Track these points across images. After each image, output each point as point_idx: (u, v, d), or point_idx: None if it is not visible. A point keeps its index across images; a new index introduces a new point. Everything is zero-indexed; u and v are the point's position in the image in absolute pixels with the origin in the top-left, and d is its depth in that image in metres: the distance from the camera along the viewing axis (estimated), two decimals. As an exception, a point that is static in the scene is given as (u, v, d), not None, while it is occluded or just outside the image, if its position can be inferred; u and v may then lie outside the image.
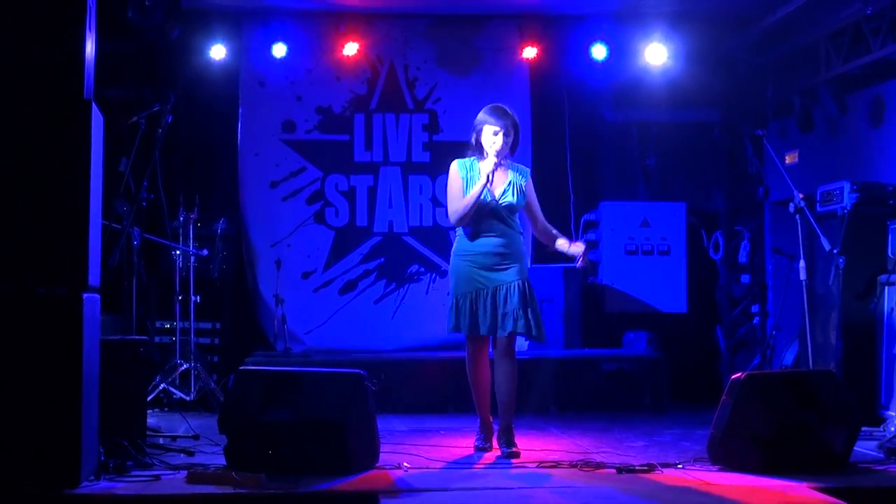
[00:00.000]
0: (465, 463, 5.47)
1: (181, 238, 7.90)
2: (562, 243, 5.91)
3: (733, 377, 5.33)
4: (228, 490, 4.55)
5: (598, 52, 9.12)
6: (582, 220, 9.54)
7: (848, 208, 6.92)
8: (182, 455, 5.44)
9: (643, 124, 9.70)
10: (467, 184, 5.75)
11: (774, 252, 9.09)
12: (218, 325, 8.49)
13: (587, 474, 5.06)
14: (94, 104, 4.65)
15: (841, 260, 6.73)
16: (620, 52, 9.14)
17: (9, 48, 4.56)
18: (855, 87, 8.17)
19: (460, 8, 9.13)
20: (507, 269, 5.70)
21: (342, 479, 4.81)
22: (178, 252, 7.84)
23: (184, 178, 8.78)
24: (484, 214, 5.71)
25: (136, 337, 6.13)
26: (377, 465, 5.18)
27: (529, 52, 9.17)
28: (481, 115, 5.77)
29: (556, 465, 5.29)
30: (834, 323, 6.98)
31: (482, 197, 5.66)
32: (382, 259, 9.23)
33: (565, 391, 8.00)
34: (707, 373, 9.34)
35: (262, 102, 9.18)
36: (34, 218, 4.52)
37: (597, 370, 8.18)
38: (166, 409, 7.42)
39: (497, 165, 5.66)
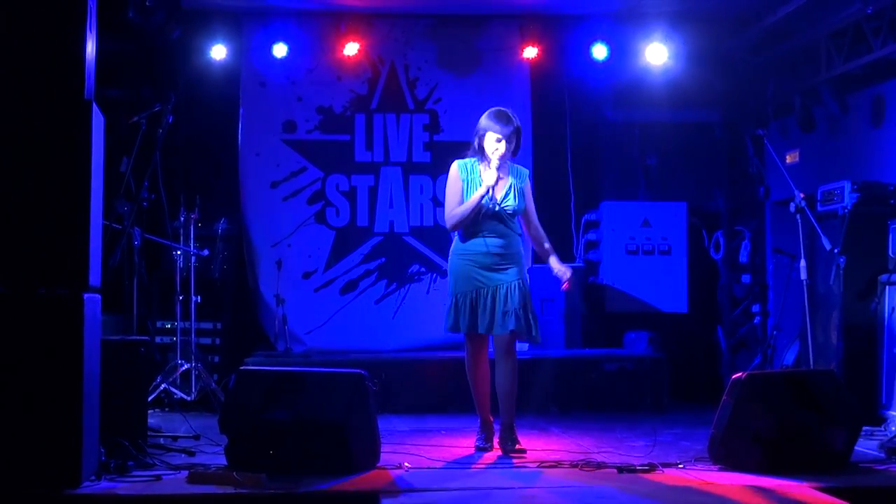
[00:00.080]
0: (466, 463, 5.47)
1: (182, 238, 7.90)
2: (552, 260, 5.93)
3: (734, 377, 5.33)
4: (229, 490, 4.55)
5: (599, 52, 9.12)
6: (583, 220, 9.54)
7: (849, 208, 6.92)
8: (183, 455, 5.44)
9: (644, 124, 9.71)
10: (468, 186, 5.75)
11: (775, 252, 9.08)
12: (219, 325, 8.49)
13: (588, 474, 5.06)
14: (94, 104, 4.65)
15: (842, 259, 6.73)
16: (621, 51, 9.14)
17: (9, 48, 4.56)
18: (856, 86, 8.17)
19: (461, 8, 9.13)
20: (506, 269, 5.71)
21: (343, 478, 4.81)
22: (178, 252, 7.84)
23: (184, 178, 8.79)
24: (484, 217, 5.71)
25: (137, 337, 6.13)
26: (378, 464, 5.18)
27: (530, 52, 9.16)
28: (485, 121, 5.75)
29: (557, 464, 5.29)
30: (835, 323, 6.98)
31: (482, 202, 5.67)
32: (383, 259, 9.23)
33: (566, 391, 8.00)
34: (708, 372, 9.34)
35: (263, 102, 9.18)
36: (35, 218, 4.52)
37: (598, 370, 8.18)
38: (167, 409, 7.42)
39: (499, 179, 5.67)
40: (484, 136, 5.73)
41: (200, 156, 9.13)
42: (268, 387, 5.14)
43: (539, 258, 9.06)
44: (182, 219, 7.94)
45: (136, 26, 7.94)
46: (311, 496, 4.56)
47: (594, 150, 9.75)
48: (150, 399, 6.96)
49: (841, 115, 8.29)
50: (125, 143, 6.57)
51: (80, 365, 4.48)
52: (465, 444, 5.94)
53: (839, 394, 5.41)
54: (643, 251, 9.30)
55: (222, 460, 5.12)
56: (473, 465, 5.42)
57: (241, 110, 9.14)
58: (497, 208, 5.70)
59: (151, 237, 7.48)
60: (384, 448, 5.36)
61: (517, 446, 5.66)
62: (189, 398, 7.54)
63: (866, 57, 7.74)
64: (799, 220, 6.78)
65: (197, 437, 5.97)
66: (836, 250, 6.72)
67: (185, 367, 7.66)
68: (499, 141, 5.69)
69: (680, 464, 5.29)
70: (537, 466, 5.26)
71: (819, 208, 7.19)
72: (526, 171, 5.95)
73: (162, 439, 5.92)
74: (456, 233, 5.84)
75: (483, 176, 5.69)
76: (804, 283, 6.76)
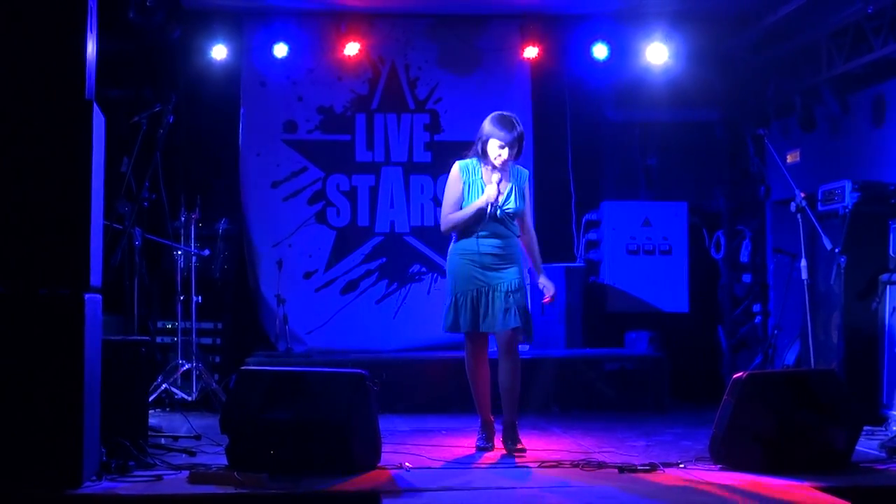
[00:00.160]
0: (467, 462, 5.48)
1: (182, 238, 7.90)
2: (539, 273, 5.95)
3: (735, 376, 5.33)
4: (230, 490, 4.55)
5: (600, 51, 9.12)
6: (583, 220, 9.54)
7: (849, 207, 6.92)
8: (184, 455, 5.44)
9: (644, 124, 9.71)
10: (469, 188, 5.76)
11: (776, 251, 9.09)
12: (219, 326, 8.49)
13: (589, 474, 5.06)
14: (95, 104, 4.65)
15: (842, 259, 6.73)
16: (621, 51, 9.14)
17: (10, 49, 4.56)
18: (856, 86, 8.17)
19: (461, 8, 9.13)
20: (506, 268, 5.73)
21: (344, 478, 4.81)
22: (179, 252, 7.84)
23: (185, 178, 8.79)
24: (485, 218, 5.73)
25: (138, 337, 6.14)
26: (379, 464, 5.18)
27: (531, 52, 9.16)
28: (488, 126, 5.74)
29: (558, 464, 5.29)
30: (835, 322, 6.98)
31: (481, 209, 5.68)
32: (384, 259, 9.23)
33: (567, 391, 8.00)
34: (709, 372, 9.34)
35: (264, 102, 9.18)
36: (36, 218, 4.52)
37: (598, 370, 8.18)
38: (168, 409, 7.42)
39: (499, 193, 5.67)
40: (487, 141, 5.73)
41: (201, 156, 9.13)
42: (269, 387, 5.14)
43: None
44: (183, 219, 7.94)
45: (136, 26, 7.94)
46: (312, 496, 4.56)
47: (595, 149, 9.75)
48: (151, 399, 6.96)
49: (842, 115, 8.29)
50: (126, 144, 6.57)
51: (80, 365, 4.48)
52: (465, 444, 5.94)
53: (840, 393, 5.41)
54: (644, 251, 9.30)
55: (223, 460, 5.12)
56: (474, 465, 5.42)
57: (241, 110, 9.14)
58: (499, 212, 5.71)
59: (152, 237, 7.48)
60: (385, 448, 5.36)
61: (518, 445, 5.67)
62: (190, 398, 7.54)
63: (867, 56, 7.74)
64: (800, 220, 6.78)
65: (198, 437, 5.97)
66: (836, 250, 6.71)
67: (186, 367, 7.66)
68: (502, 147, 5.69)
69: (681, 463, 5.29)
70: (538, 466, 5.27)
71: (820, 208, 7.19)
72: (526, 172, 5.96)
73: (163, 439, 5.93)
74: (455, 232, 5.84)
75: (486, 189, 5.68)
76: (805, 282, 6.76)
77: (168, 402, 7.48)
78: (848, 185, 6.98)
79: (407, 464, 5.24)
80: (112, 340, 5.36)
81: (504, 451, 5.69)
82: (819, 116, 8.59)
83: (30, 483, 4.42)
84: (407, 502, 4.48)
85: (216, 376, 7.95)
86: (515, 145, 5.71)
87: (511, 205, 5.75)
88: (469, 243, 5.74)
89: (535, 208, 9.04)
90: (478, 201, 5.68)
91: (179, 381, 7.64)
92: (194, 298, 7.87)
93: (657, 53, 9.00)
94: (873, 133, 7.93)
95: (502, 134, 5.67)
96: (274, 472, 4.74)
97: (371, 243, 9.24)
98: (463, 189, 5.77)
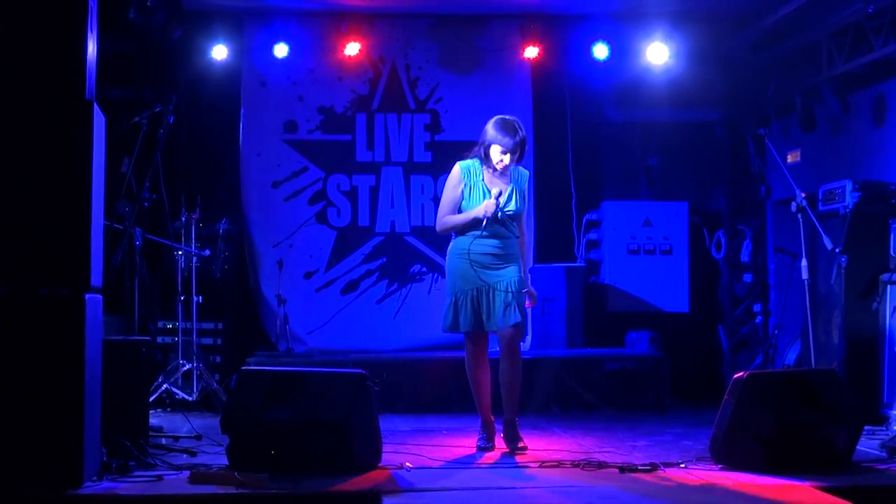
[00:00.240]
0: (468, 462, 5.47)
1: (183, 238, 7.90)
2: (525, 277, 5.95)
3: (735, 376, 5.33)
4: (231, 490, 4.55)
5: (600, 51, 9.12)
6: (584, 220, 9.54)
7: (850, 207, 6.92)
8: (185, 455, 5.44)
9: (645, 124, 9.70)
10: (470, 191, 5.78)
11: (776, 251, 9.08)
12: (220, 326, 8.48)
13: (590, 474, 5.06)
14: (95, 105, 4.65)
15: (843, 259, 6.73)
16: (622, 51, 9.14)
17: (10, 49, 4.56)
18: (857, 85, 8.17)
19: (462, 8, 9.13)
20: (505, 268, 5.74)
21: (345, 478, 4.81)
22: (180, 252, 7.84)
23: (186, 178, 8.78)
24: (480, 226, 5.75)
25: (139, 337, 6.13)
26: (380, 464, 5.18)
27: (531, 52, 9.16)
28: (491, 131, 5.74)
29: (559, 464, 5.29)
30: (836, 322, 6.97)
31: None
32: (384, 259, 9.23)
33: (568, 391, 8.00)
34: (709, 372, 9.35)
35: (264, 102, 9.18)
36: (36, 219, 4.52)
37: (599, 370, 8.18)
38: (169, 409, 7.43)
39: (497, 208, 5.67)
40: (490, 146, 5.74)
41: (201, 156, 9.12)
42: (269, 387, 5.14)
43: (540, 258, 9.17)
44: (183, 219, 7.94)
45: (137, 26, 7.94)
46: (313, 496, 4.56)
47: (595, 149, 9.74)
48: (151, 399, 6.96)
49: (842, 115, 8.29)
50: (126, 144, 6.58)
51: (81, 365, 4.48)
52: (466, 444, 5.94)
53: (841, 393, 5.41)
54: (644, 251, 9.30)
55: (224, 460, 5.13)
56: (475, 465, 5.42)
57: (242, 110, 9.14)
58: (500, 215, 5.72)
59: (153, 237, 7.48)
60: (386, 448, 5.36)
61: (520, 444, 5.69)
62: (191, 398, 7.54)
63: (867, 56, 7.74)
64: (800, 220, 6.78)
65: (199, 438, 5.97)
66: (837, 250, 6.71)
67: (187, 367, 7.66)
68: (503, 153, 5.71)
69: (681, 463, 5.29)
70: (539, 466, 5.26)
71: (820, 208, 7.19)
72: (526, 173, 5.96)
73: (164, 439, 5.93)
74: (454, 232, 5.85)
75: (484, 203, 5.68)
76: (805, 282, 6.75)
77: (169, 403, 7.48)
78: (848, 185, 6.98)
79: (407, 464, 5.24)
80: (113, 340, 5.37)
81: (504, 451, 5.69)
82: (819, 116, 8.59)
83: (30, 483, 4.42)
84: (408, 502, 4.48)
85: (217, 376, 7.95)
86: (517, 150, 5.73)
87: (511, 206, 5.76)
88: (468, 243, 5.74)
89: (536, 208, 9.12)
90: (475, 211, 5.70)
91: (180, 382, 7.64)
92: (195, 298, 7.87)
93: (658, 53, 9.00)
94: (874, 133, 7.93)
95: (505, 140, 5.69)
96: (275, 472, 4.74)
97: (371, 243, 9.25)
98: (463, 190, 5.78)
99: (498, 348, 5.78)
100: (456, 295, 5.75)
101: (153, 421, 6.22)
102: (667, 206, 9.40)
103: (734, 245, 9.61)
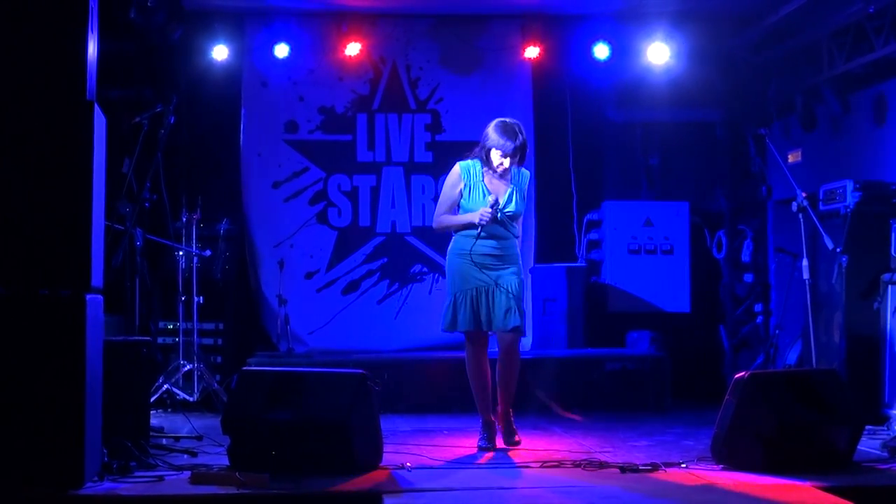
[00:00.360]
0: (468, 462, 5.48)
1: (184, 239, 7.90)
2: None
3: (737, 376, 5.33)
4: (232, 490, 4.55)
5: (601, 51, 9.12)
6: (585, 220, 9.54)
7: (851, 207, 6.91)
8: (185, 456, 5.45)
9: (646, 124, 9.70)
10: (470, 191, 5.79)
11: (777, 251, 9.08)
12: (221, 326, 8.47)
13: (591, 474, 5.06)
14: (96, 105, 4.65)
15: (844, 259, 6.72)
16: (623, 51, 9.14)
17: (10, 49, 4.56)
18: (858, 85, 8.17)
19: (462, 8, 9.13)
20: (505, 268, 5.76)
21: (346, 478, 4.81)
22: (180, 253, 7.84)
23: (186, 178, 8.78)
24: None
25: (139, 338, 6.13)
26: (380, 464, 5.18)
27: (532, 52, 9.16)
28: (492, 135, 5.75)
29: (560, 464, 5.29)
30: (837, 322, 6.97)
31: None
32: (385, 259, 9.23)
33: (568, 391, 7.99)
34: (710, 372, 9.34)
35: (265, 103, 9.18)
36: (37, 219, 4.52)
37: (600, 370, 8.17)
38: (170, 409, 7.42)
39: (493, 214, 5.68)
40: (490, 149, 5.75)
41: (202, 156, 9.12)
42: (270, 387, 5.15)
43: (541, 258, 9.17)
44: (184, 219, 7.94)
45: (137, 27, 7.94)
46: (314, 496, 4.57)
47: (596, 149, 9.74)
48: (152, 400, 6.95)
49: (843, 115, 8.28)
50: (127, 144, 6.58)
51: (82, 366, 4.48)
52: (467, 444, 5.94)
53: (842, 393, 5.40)
54: (645, 251, 9.30)
55: (225, 461, 5.13)
56: (476, 465, 5.42)
57: (242, 111, 9.14)
58: (500, 216, 5.72)
59: (153, 238, 7.48)
60: (386, 448, 5.36)
61: (515, 437, 5.80)
62: (191, 399, 7.54)
63: (868, 56, 7.74)
64: (801, 220, 6.78)
65: (199, 438, 5.97)
66: (838, 249, 6.71)
67: (188, 367, 7.66)
68: (503, 157, 5.72)
69: (683, 463, 5.29)
70: (540, 466, 5.26)
71: (821, 207, 7.19)
72: (527, 173, 5.97)
73: (164, 440, 5.93)
74: (453, 232, 5.86)
75: (481, 210, 5.68)
76: (806, 282, 6.75)
77: (169, 403, 7.48)
78: (849, 185, 6.98)
79: (408, 464, 5.24)
80: (113, 341, 5.37)
81: (504, 448, 5.73)
82: (820, 116, 8.59)
83: (32, 483, 4.42)
84: (408, 502, 4.48)
85: (217, 377, 7.95)
86: (518, 154, 5.75)
87: (511, 207, 5.77)
88: (468, 243, 5.75)
89: (537, 208, 9.12)
90: (471, 216, 5.72)
91: (181, 382, 7.64)
92: (195, 299, 7.87)
93: (658, 53, 9.00)
94: (874, 132, 7.93)
95: (506, 144, 5.70)
96: (276, 473, 4.74)
97: (372, 243, 9.25)
98: (462, 190, 5.80)
99: (497, 349, 5.79)
100: (455, 294, 5.76)
101: (154, 421, 6.22)
102: (668, 206, 9.40)
103: (735, 245, 9.60)
